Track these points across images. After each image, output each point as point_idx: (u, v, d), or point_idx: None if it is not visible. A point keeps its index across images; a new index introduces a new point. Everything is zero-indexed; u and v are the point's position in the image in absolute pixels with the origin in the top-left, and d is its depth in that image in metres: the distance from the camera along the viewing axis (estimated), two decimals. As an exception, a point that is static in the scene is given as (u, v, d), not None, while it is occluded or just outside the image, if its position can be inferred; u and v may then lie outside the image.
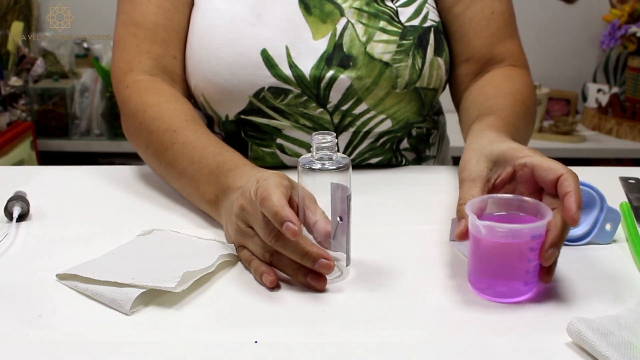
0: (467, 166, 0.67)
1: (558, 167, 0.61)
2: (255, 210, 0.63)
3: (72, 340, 0.54)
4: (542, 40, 2.36)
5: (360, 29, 0.88)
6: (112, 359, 0.52)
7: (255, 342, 0.54)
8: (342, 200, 0.61)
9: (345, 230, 0.62)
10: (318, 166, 0.61)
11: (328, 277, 0.62)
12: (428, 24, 0.90)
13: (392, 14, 0.89)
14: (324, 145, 0.61)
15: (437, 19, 0.92)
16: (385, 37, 0.88)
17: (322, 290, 0.61)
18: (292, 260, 0.62)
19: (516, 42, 0.95)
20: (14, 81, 2.29)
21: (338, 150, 0.62)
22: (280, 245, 0.61)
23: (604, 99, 2.32)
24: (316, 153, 0.61)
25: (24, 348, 0.53)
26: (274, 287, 0.62)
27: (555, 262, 0.61)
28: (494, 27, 0.92)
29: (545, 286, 0.62)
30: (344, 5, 0.89)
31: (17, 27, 2.33)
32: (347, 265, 0.64)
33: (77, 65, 2.38)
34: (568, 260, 0.67)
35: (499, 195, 0.63)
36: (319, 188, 0.62)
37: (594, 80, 2.46)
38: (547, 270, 0.61)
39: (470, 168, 0.66)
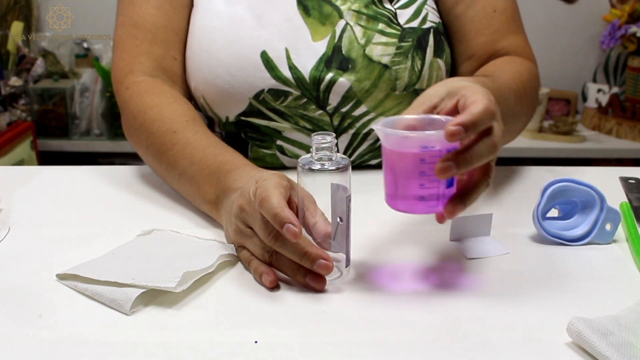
0: (427, 90, 0.64)
1: (479, 98, 0.58)
2: (254, 210, 0.63)
3: (72, 340, 0.54)
4: (542, 40, 2.36)
5: (358, 31, 0.88)
6: (112, 359, 0.52)
7: (255, 342, 0.54)
8: (342, 200, 0.61)
9: (345, 231, 0.62)
10: (318, 167, 0.61)
11: (328, 277, 0.62)
12: (427, 25, 0.90)
13: (390, 16, 0.89)
14: (323, 145, 0.61)
15: (437, 20, 0.92)
16: (384, 39, 0.88)
17: (321, 290, 0.61)
18: (291, 260, 0.62)
19: (521, 37, 0.93)
20: (14, 81, 2.29)
21: (337, 151, 0.62)
22: (279, 245, 0.61)
23: (604, 99, 2.32)
24: (316, 153, 0.61)
25: (24, 348, 0.53)
26: (274, 287, 0.62)
27: (467, 198, 0.58)
28: (496, 24, 0.91)
29: (545, 286, 0.62)
30: (342, 8, 0.89)
31: (17, 27, 2.33)
32: (346, 266, 0.64)
33: (77, 65, 2.38)
34: (568, 260, 0.67)
35: (429, 115, 0.60)
36: (318, 189, 0.62)
37: (594, 80, 2.46)
38: (453, 199, 0.58)
39: (427, 91, 0.63)
